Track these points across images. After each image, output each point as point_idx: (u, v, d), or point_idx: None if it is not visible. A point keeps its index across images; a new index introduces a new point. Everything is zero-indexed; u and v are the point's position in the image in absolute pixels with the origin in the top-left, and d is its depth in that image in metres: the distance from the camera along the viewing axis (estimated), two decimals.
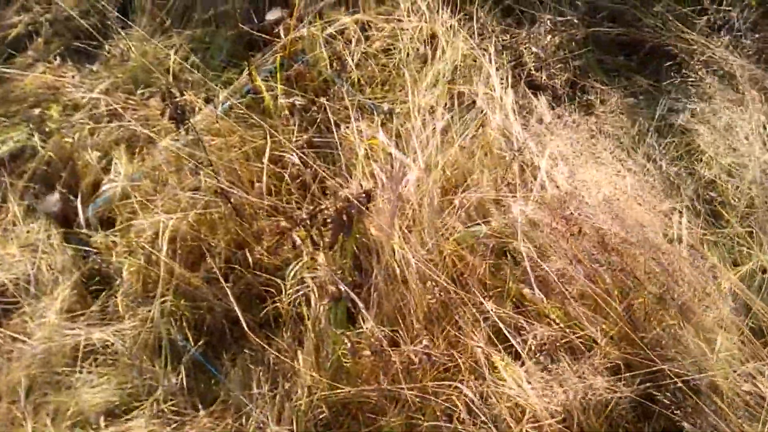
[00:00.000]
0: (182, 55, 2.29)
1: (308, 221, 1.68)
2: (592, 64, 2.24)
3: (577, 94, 2.19)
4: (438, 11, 2.24)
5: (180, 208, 1.81)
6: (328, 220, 1.68)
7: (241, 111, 2.06)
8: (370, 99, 2.03)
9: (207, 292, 1.74)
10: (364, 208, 1.61)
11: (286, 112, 2.06)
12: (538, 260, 1.43)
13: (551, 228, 1.33)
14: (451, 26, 2.21)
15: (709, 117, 2.08)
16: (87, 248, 1.85)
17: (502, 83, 1.98)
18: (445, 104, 1.93)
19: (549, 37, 2.23)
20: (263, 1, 2.38)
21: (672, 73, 2.18)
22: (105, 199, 1.96)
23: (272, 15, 2.08)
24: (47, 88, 2.23)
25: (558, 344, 1.34)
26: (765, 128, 1.95)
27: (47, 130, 2.13)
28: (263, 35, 2.16)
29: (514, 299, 1.59)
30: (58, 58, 2.32)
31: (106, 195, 1.95)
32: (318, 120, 2.00)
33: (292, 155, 1.89)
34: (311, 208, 1.67)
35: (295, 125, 2.01)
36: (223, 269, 1.78)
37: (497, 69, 2.09)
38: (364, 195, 1.60)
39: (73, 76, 2.26)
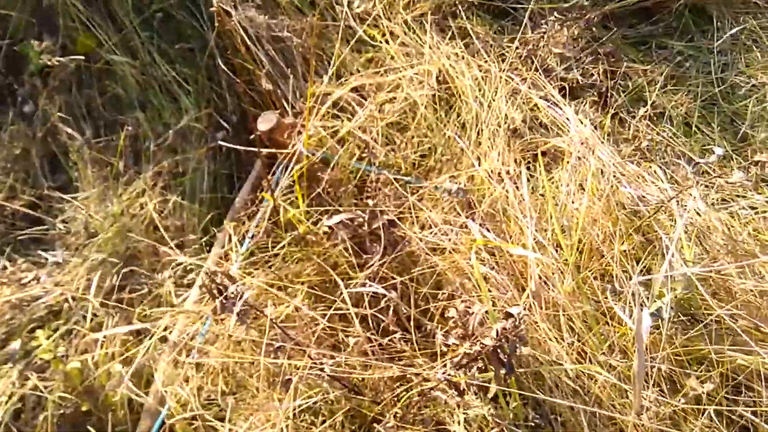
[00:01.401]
0: (159, 202, 1.83)
1: (456, 369, 1.34)
2: (620, 45, 1.97)
3: (619, 83, 1.92)
4: (426, 38, 1.89)
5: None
6: (478, 362, 1.34)
7: (263, 250, 1.66)
8: (426, 179, 1.67)
9: None
10: (523, 338, 1.28)
11: (325, 229, 1.67)
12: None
13: None
14: (456, 55, 1.87)
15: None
16: None
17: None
18: (516, 160, 1.62)
19: (565, 30, 1.93)
20: (226, 106, 1.93)
21: (705, 28, 1.95)
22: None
23: (265, 123, 1.65)
24: (11, 307, 1.71)
25: None
26: None
27: (39, 363, 1.64)
28: (256, 148, 1.73)
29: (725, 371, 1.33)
30: (5, 263, 1.79)
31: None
32: (374, 229, 1.62)
33: (369, 285, 1.52)
34: (457, 357, 1.32)
35: (346, 243, 1.63)
36: None
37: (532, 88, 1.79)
38: (517, 325, 1.27)
39: (37, 279, 1.75)
